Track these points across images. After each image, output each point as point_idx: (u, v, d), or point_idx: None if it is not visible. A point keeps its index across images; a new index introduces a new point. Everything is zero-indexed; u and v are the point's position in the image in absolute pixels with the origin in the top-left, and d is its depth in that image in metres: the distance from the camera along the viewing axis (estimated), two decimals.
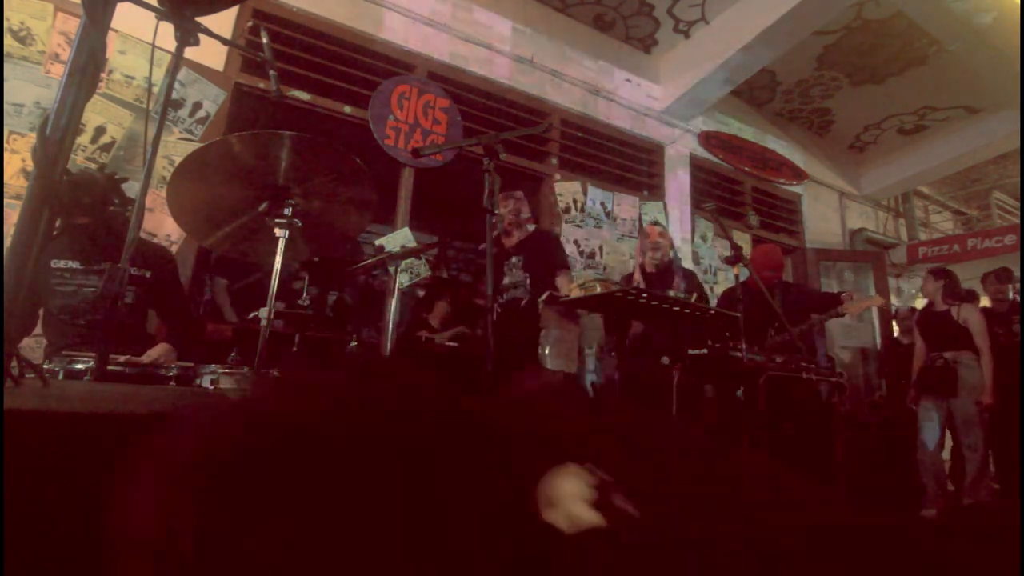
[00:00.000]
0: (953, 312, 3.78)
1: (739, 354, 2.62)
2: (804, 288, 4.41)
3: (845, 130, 6.38)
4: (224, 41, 1.58)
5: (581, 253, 4.34)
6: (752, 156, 5.64)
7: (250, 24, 3.30)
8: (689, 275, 3.42)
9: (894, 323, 5.60)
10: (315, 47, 3.56)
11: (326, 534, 0.42)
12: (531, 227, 3.16)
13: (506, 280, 2.89)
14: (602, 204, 4.53)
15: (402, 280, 3.39)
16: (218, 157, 1.43)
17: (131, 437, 0.59)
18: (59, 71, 2.75)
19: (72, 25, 2.81)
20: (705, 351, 2.67)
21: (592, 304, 2.29)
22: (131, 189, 2.28)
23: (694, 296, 2.77)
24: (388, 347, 2.17)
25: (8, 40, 2.68)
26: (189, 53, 1.67)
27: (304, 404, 0.54)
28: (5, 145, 2.62)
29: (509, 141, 1.74)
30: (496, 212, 2.75)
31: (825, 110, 6.01)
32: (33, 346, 2.29)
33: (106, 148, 2.83)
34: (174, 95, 2.99)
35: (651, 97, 5.00)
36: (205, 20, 1.42)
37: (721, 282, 5.08)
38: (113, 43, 2.87)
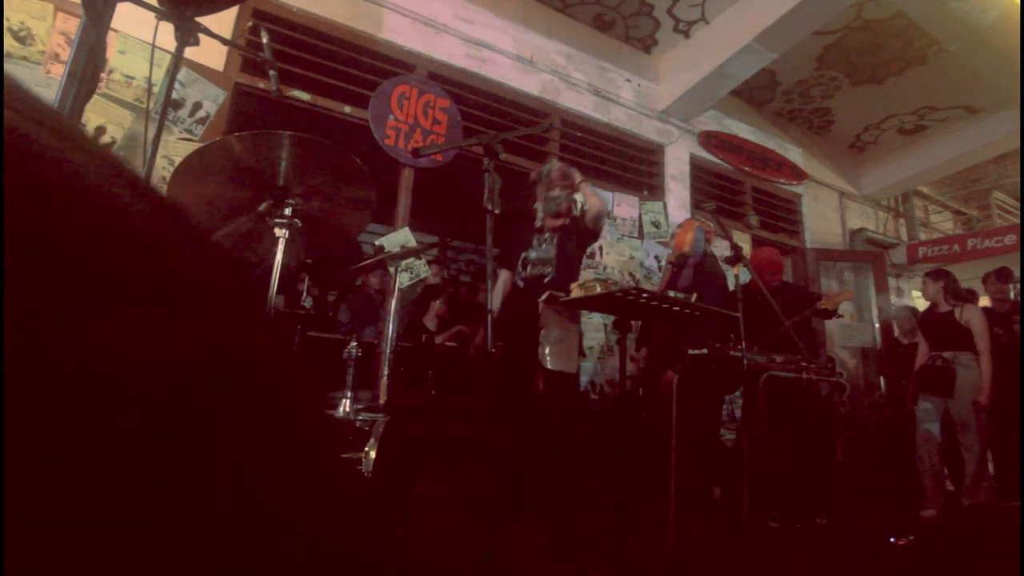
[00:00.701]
0: (956, 313, 3.78)
1: (739, 354, 2.62)
2: (804, 288, 4.42)
3: (845, 130, 6.38)
4: (224, 41, 1.58)
5: None
6: (752, 156, 5.64)
7: (250, 24, 3.30)
8: (698, 270, 3.39)
9: (894, 323, 5.60)
10: (315, 47, 3.56)
11: None
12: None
13: (533, 254, 2.77)
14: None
15: (402, 280, 3.39)
16: (218, 157, 1.43)
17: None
18: (59, 71, 2.75)
19: (72, 25, 2.81)
20: (705, 351, 2.67)
21: (592, 304, 2.29)
22: None
23: (694, 296, 2.77)
24: (388, 347, 2.17)
25: (8, 40, 2.68)
26: (189, 53, 1.67)
27: None
28: None
29: (509, 141, 1.74)
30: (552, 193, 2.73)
31: (825, 110, 6.01)
32: None
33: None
34: (174, 95, 2.99)
35: (651, 97, 5.00)
36: (205, 20, 1.42)
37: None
38: (113, 43, 2.87)
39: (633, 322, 3.31)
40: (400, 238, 3.58)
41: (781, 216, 5.83)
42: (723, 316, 2.50)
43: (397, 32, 3.83)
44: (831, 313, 3.45)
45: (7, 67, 2.64)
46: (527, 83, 4.34)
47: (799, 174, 5.98)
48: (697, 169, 5.23)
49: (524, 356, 2.45)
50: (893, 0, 4.26)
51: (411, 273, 3.68)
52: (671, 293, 2.11)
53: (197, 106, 3.10)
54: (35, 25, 2.75)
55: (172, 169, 1.77)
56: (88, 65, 0.76)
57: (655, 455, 2.82)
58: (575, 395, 2.42)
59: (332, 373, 2.12)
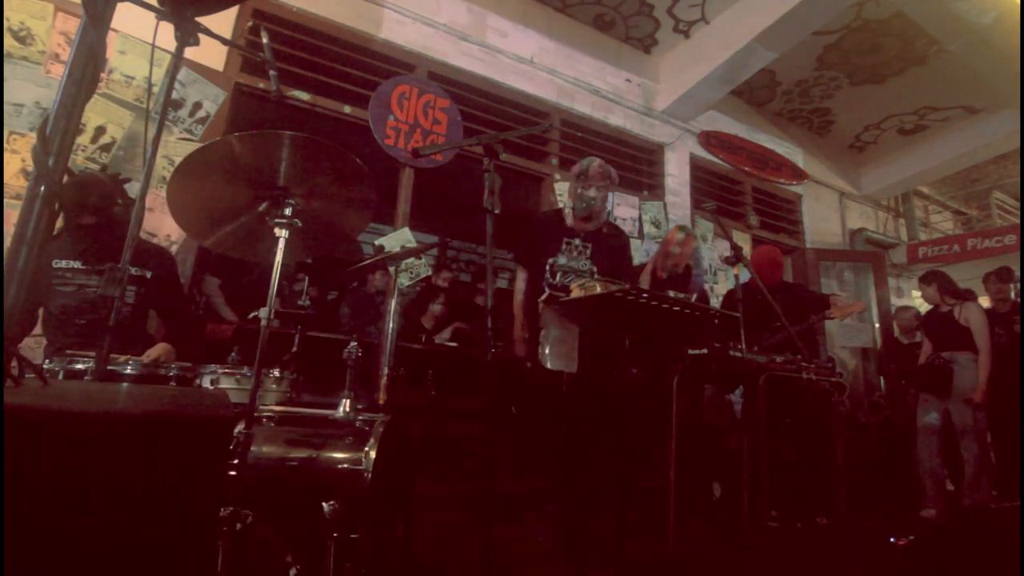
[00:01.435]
0: (955, 312, 3.79)
1: (739, 354, 2.62)
2: (803, 288, 4.41)
3: (845, 130, 6.38)
4: (224, 41, 1.58)
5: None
6: (752, 156, 5.64)
7: (250, 24, 3.30)
8: (703, 296, 3.40)
9: (894, 323, 5.60)
10: (315, 47, 3.56)
11: None
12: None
13: (563, 260, 2.63)
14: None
15: (402, 280, 3.39)
16: (218, 157, 1.42)
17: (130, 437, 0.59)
18: (59, 71, 2.75)
19: (72, 25, 2.81)
20: (705, 351, 2.67)
21: (592, 304, 2.29)
22: (132, 189, 2.29)
23: (694, 296, 2.77)
24: (388, 347, 2.17)
25: (8, 40, 2.68)
26: (189, 53, 1.67)
27: None
28: (5, 145, 2.62)
29: (509, 141, 1.74)
30: (584, 190, 2.60)
31: (825, 110, 6.00)
32: (33, 346, 2.29)
33: (106, 148, 2.83)
34: (174, 95, 2.99)
35: (651, 97, 5.00)
36: (205, 20, 1.42)
37: (721, 282, 5.08)
38: (113, 43, 2.87)
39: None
40: (400, 238, 3.58)
41: (781, 216, 5.83)
42: (724, 316, 2.50)
43: (397, 32, 3.83)
44: (829, 316, 3.44)
45: (7, 67, 2.65)
46: (527, 83, 4.34)
47: (799, 174, 5.98)
48: (697, 169, 5.23)
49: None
50: (893, 0, 4.25)
51: (411, 273, 3.68)
52: (671, 293, 2.11)
53: (197, 106, 3.10)
54: (35, 25, 2.75)
55: (172, 169, 1.77)
56: (88, 65, 0.76)
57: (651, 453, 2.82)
58: (577, 395, 2.41)
59: (332, 373, 2.13)
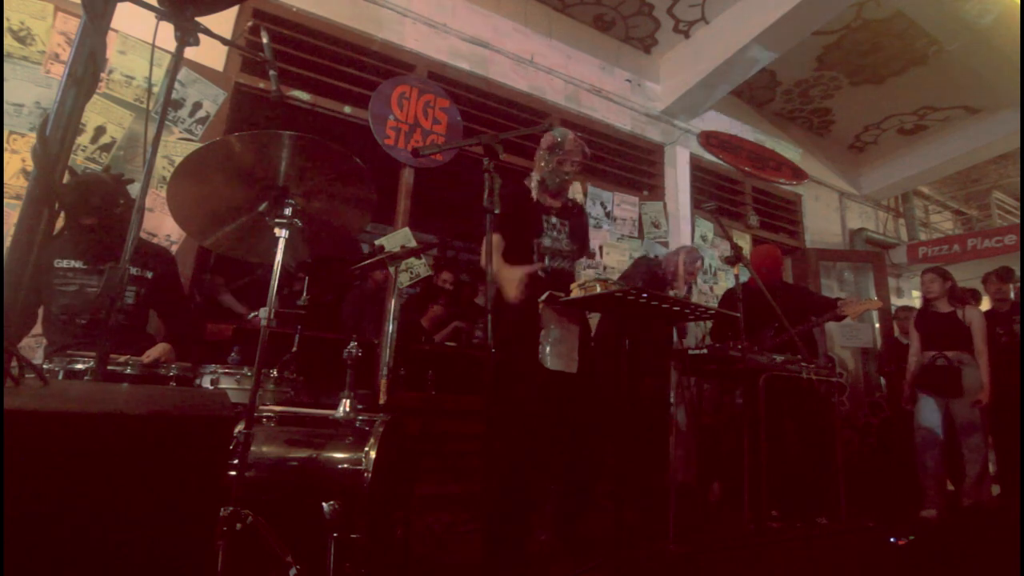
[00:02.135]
0: (958, 313, 3.77)
1: (739, 354, 2.62)
2: (804, 289, 4.42)
3: (845, 130, 6.38)
4: (224, 41, 1.58)
5: None
6: (752, 156, 5.64)
7: (250, 24, 3.30)
8: None
9: (894, 323, 5.60)
10: (315, 47, 3.56)
11: None
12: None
13: (547, 243, 2.44)
14: (602, 204, 4.53)
15: (402, 280, 3.39)
16: (218, 157, 1.42)
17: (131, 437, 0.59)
18: (59, 71, 2.75)
19: (72, 25, 2.81)
20: (705, 351, 2.67)
21: (592, 304, 2.29)
22: (132, 189, 2.29)
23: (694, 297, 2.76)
24: (388, 347, 2.17)
25: (8, 40, 2.68)
26: (189, 53, 1.67)
27: None
28: (5, 145, 2.62)
29: (509, 141, 1.74)
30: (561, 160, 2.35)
31: (825, 110, 6.01)
32: (33, 346, 2.29)
33: (106, 148, 2.83)
34: (174, 95, 2.99)
35: (651, 97, 5.00)
36: (205, 20, 1.42)
37: (721, 282, 5.08)
38: (113, 43, 2.87)
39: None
40: (400, 238, 3.58)
41: (781, 216, 5.83)
42: (723, 316, 2.50)
43: (397, 32, 3.83)
44: (840, 316, 3.44)
45: (7, 67, 2.65)
46: (527, 83, 4.34)
47: (799, 174, 5.98)
48: (697, 169, 5.23)
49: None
50: (893, 0, 4.26)
51: (411, 273, 3.68)
52: (671, 293, 2.11)
53: (197, 106, 3.10)
54: (35, 25, 2.75)
55: (172, 169, 1.77)
56: (88, 65, 0.76)
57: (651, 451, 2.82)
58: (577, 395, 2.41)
59: (332, 373, 2.13)
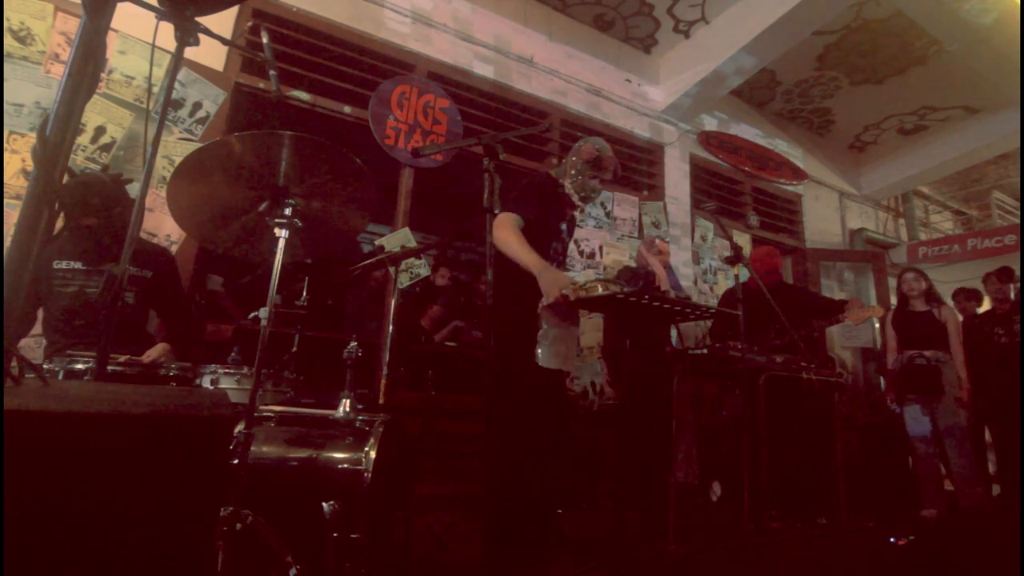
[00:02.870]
0: (935, 312, 3.79)
1: (739, 354, 2.62)
2: (805, 290, 4.42)
3: (845, 130, 6.38)
4: (224, 41, 1.58)
5: (581, 253, 4.34)
6: (752, 156, 5.64)
7: (250, 24, 3.30)
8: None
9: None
10: (315, 47, 3.56)
11: None
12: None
13: (557, 245, 2.41)
14: (602, 204, 4.53)
15: (402, 280, 3.39)
16: (218, 157, 1.43)
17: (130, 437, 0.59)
18: (59, 71, 2.75)
19: (72, 25, 2.81)
20: (705, 351, 2.67)
21: (593, 305, 2.29)
22: (132, 189, 2.29)
23: (694, 296, 2.76)
24: (388, 347, 2.17)
25: (8, 40, 2.68)
26: (189, 53, 1.68)
27: None
28: (5, 145, 2.62)
29: (509, 141, 1.73)
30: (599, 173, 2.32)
31: (825, 110, 6.01)
32: (33, 346, 2.29)
33: (106, 148, 2.83)
34: (174, 95, 2.99)
35: (651, 97, 5.00)
36: (205, 20, 1.42)
37: (721, 282, 5.08)
38: (113, 43, 2.87)
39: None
40: (400, 238, 3.58)
41: (781, 216, 5.83)
42: (723, 315, 2.50)
43: (397, 32, 3.83)
44: (842, 320, 3.45)
45: (7, 67, 2.65)
46: (527, 83, 4.34)
47: (799, 174, 5.98)
48: (697, 169, 5.23)
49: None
50: (893, 0, 4.26)
51: (411, 273, 3.68)
52: (671, 293, 2.11)
53: (197, 106, 3.10)
54: (35, 25, 2.75)
55: (172, 169, 1.77)
56: (88, 65, 0.76)
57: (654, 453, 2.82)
58: (574, 395, 2.41)
59: (332, 373, 2.13)
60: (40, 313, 2.21)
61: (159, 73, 2.89)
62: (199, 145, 1.76)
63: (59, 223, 2.07)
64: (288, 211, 1.48)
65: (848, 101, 5.81)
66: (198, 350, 2.63)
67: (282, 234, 1.47)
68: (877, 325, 5.80)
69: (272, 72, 1.67)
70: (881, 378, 5.57)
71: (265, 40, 1.69)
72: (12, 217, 2.54)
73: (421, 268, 3.75)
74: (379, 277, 3.98)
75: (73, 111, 0.75)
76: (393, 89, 3.73)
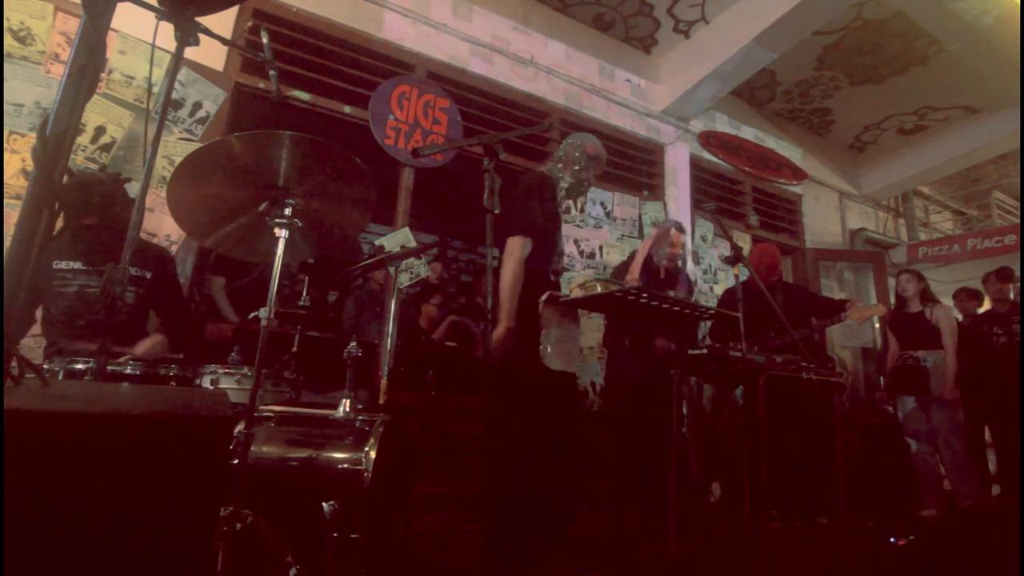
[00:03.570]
0: (927, 312, 3.82)
1: (739, 354, 2.62)
2: (804, 290, 4.42)
3: (845, 130, 6.38)
4: (224, 41, 1.58)
5: (581, 253, 4.34)
6: (752, 156, 5.64)
7: (250, 24, 3.30)
8: (689, 285, 3.37)
9: None
10: (315, 47, 3.56)
11: None
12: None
13: (561, 242, 2.46)
14: (602, 204, 4.53)
15: (402, 280, 3.38)
16: (218, 157, 1.42)
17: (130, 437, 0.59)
18: (59, 71, 2.75)
19: (72, 25, 2.81)
20: (705, 351, 2.67)
21: (592, 304, 2.29)
22: (132, 189, 2.29)
23: (694, 296, 2.75)
24: (388, 347, 2.17)
25: (8, 40, 2.68)
26: (189, 53, 1.68)
27: None
28: (5, 145, 2.62)
29: (509, 141, 1.74)
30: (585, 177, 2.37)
31: (825, 110, 6.01)
32: (33, 346, 2.29)
33: (106, 148, 2.83)
34: (174, 95, 2.99)
35: (651, 97, 5.00)
36: (205, 20, 1.42)
37: (721, 282, 5.08)
38: (113, 43, 2.87)
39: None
40: (400, 238, 3.58)
41: (781, 216, 5.83)
42: (722, 316, 2.50)
43: (397, 32, 3.83)
44: (844, 319, 3.45)
45: (7, 67, 2.65)
46: (527, 83, 4.34)
47: (799, 174, 5.98)
48: (697, 169, 5.23)
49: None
50: (893, 0, 4.26)
51: (411, 273, 3.68)
52: (671, 293, 2.11)
53: (197, 106, 3.10)
54: (35, 25, 2.75)
55: (172, 169, 1.78)
56: (88, 65, 0.76)
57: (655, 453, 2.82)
58: (575, 395, 2.41)
59: (332, 373, 2.13)
60: (39, 313, 2.20)
61: (159, 73, 2.89)
62: (199, 145, 1.76)
63: (59, 223, 2.08)
64: (288, 211, 1.48)
65: (848, 101, 5.81)
66: (198, 350, 2.63)
67: (282, 234, 1.47)
68: (877, 325, 5.81)
69: (272, 72, 1.67)
70: (881, 378, 5.58)
71: (265, 40, 1.69)
72: (12, 217, 2.54)
73: (421, 268, 3.75)
74: (379, 279, 3.98)
75: (73, 111, 0.75)
76: (393, 89, 3.73)
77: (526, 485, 2.17)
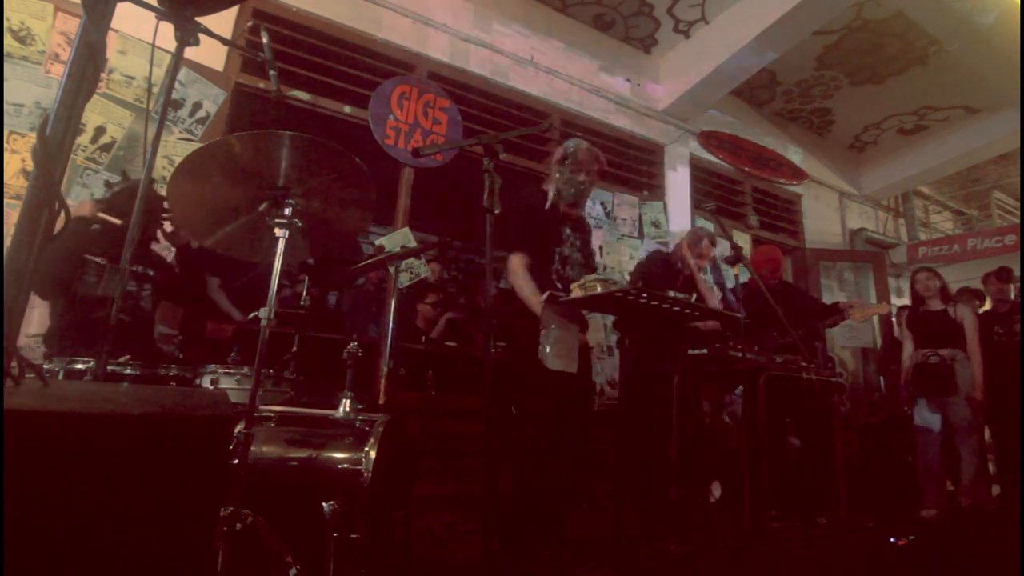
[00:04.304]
0: (950, 311, 3.77)
1: (739, 354, 2.62)
2: (804, 292, 4.42)
3: (845, 130, 6.38)
4: (224, 41, 1.58)
5: None
6: (752, 156, 5.64)
7: (250, 24, 3.30)
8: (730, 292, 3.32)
9: (895, 322, 5.59)
10: (315, 47, 3.56)
11: None
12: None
13: (567, 251, 2.49)
14: (602, 204, 4.53)
15: (402, 280, 3.38)
16: (218, 157, 1.42)
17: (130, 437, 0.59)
18: (59, 71, 2.75)
19: (72, 25, 2.81)
20: (705, 351, 2.67)
21: (592, 304, 2.29)
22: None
23: (694, 296, 2.75)
24: (389, 347, 2.17)
25: (8, 40, 2.68)
26: (189, 53, 1.67)
27: None
28: (5, 145, 2.62)
29: (509, 141, 1.73)
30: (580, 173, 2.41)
31: (825, 110, 6.00)
32: (33, 346, 2.29)
33: (106, 148, 2.83)
34: (174, 95, 2.99)
35: (651, 97, 5.00)
36: (205, 20, 1.42)
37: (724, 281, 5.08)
38: (113, 43, 2.87)
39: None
40: (400, 238, 3.58)
41: (781, 216, 5.83)
42: (726, 317, 2.50)
43: (397, 32, 3.83)
44: (846, 318, 3.44)
45: (7, 67, 2.65)
46: (527, 83, 4.34)
47: (799, 174, 5.98)
48: (697, 169, 5.23)
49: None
50: (893, 0, 4.26)
51: (411, 273, 3.68)
52: (671, 293, 2.11)
53: (197, 106, 3.10)
54: (35, 25, 2.75)
55: (172, 169, 1.78)
56: (88, 65, 0.76)
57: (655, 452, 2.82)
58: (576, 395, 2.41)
59: (332, 373, 2.13)
60: (40, 309, 2.23)
61: (159, 73, 2.89)
62: (199, 145, 1.76)
63: (59, 223, 2.09)
64: (288, 211, 1.48)
65: (848, 101, 5.81)
66: (198, 350, 2.64)
67: (282, 234, 1.47)
68: (877, 325, 5.81)
69: (272, 72, 1.67)
70: (881, 378, 5.58)
71: (265, 40, 1.69)
72: (12, 217, 2.54)
73: (421, 268, 3.75)
74: (377, 280, 3.98)
75: (73, 111, 0.75)
76: (393, 89, 3.73)
77: (526, 484, 2.18)
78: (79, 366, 1.65)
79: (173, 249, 2.74)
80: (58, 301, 2.19)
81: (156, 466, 0.62)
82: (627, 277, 4.32)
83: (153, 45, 1.56)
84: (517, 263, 2.39)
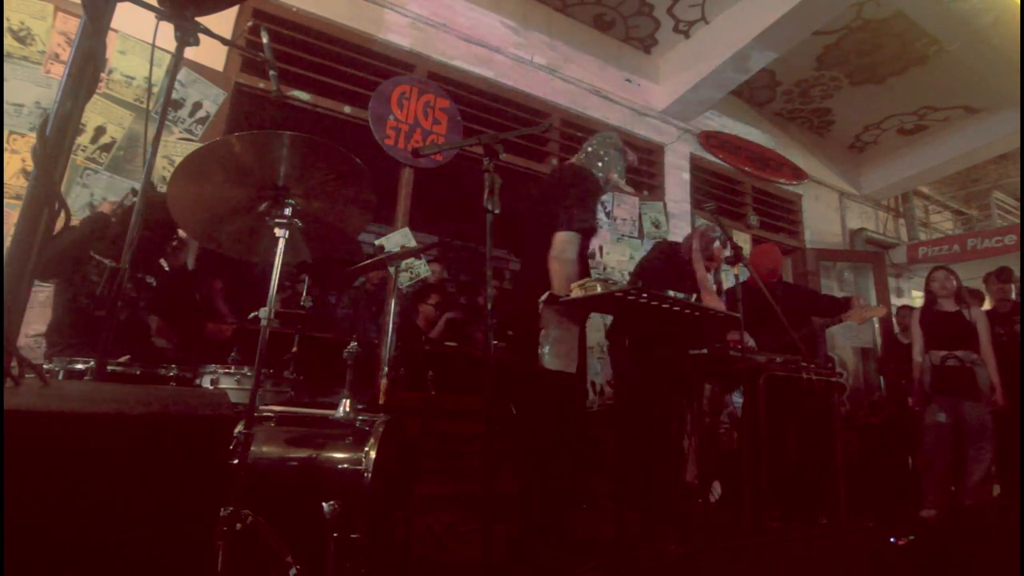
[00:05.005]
0: (965, 313, 3.74)
1: (739, 354, 2.62)
2: (807, 289, 4.42)
3: (845, 130, 6.38)
4: (224, 41, 1.58)
5: None
6: (752, 156, 5.64)
7: (250, 24, 3.30)
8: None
9: (894, 322, 5.59)
10: (315, 47, 3.56)
11: None
12: None
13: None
14: (602, 204, 4.53)
15: (402, 280, 3.39)
16: (218, 157, 1.42)
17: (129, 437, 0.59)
18: (59, 71, 2.75)
19: (72, 25, 2.81)
20: (705, 351, 2.67)
21: (592, 304, 2.29)
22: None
23: (694, 296, 2.73)
24: (389, 347, 2.17)
25: (8, 40, 2.68)
26: (189, 53, 1.68)
27: None
28: (5, 145, 2.62)
29: (509, 141, 1.74)
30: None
31: (825, 110, 6.00)
32: (32, 346, 2.29)
33: (106, 148, 2.83)
34: (174, 95, 2.99)
35: (651, 97, 5.00)
36: (205, 20, 1.42)
37: (722, 282, 5.08)
38: (113, 43, 2.87)
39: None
40: (400, 238, 3.58)
41: (781, 216, 5.83)
42: (726, 317, 2.50)
43: (397, 32, 3.83)
44: (844, 319, 3.44)
45: (7, 67, 2.65)
46: (527, 83, 4.33)
47: (799, 174, 5.98)
48: (697, 169, 5.23)
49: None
50: (893, 0, 4.25)
51: (411, 273, 3.68)
52: (671, 293, 2.10)
53: (197, 106, 3.10)
54: (35, 25, 2.75)
55: (172, 169, 1.78)
56: (88, 65, 0.76)
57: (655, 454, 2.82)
58: (575, 395, 2.41)
59: (332, 373, 2.13)
60: (40, 309, 2.22)
61: (159, 73, 2.89)
62: (199, 145, 1.76)
63: (59, 223, 2.09)
64: (288, 211, 1.48)
65: (848, 101, 5.80)
66: (198, 350, 2.64)
67: (282, 234, 1.47)
68: (877, 325, 5.80)
69: (272, 72, 1.67)
70: (881, 378, 5.57)
71: (265, 40, 1.69)
72: (12, 217, 2.54)
73: (421, 268, 3.75)
74: (376, 280, 3.98)
75: (73, 111, 0.75)
76: (393, 89, 3.73)
77: (527, 484, 2.18)
78: (79, 366, 1.65)
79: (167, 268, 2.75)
80: (62, 293, 2.19)
81: (156, 466, 0.62)
82: (627, 277, 4.33)
83: (153, 45, 1.56)
84: (571, 248, 2.18)
